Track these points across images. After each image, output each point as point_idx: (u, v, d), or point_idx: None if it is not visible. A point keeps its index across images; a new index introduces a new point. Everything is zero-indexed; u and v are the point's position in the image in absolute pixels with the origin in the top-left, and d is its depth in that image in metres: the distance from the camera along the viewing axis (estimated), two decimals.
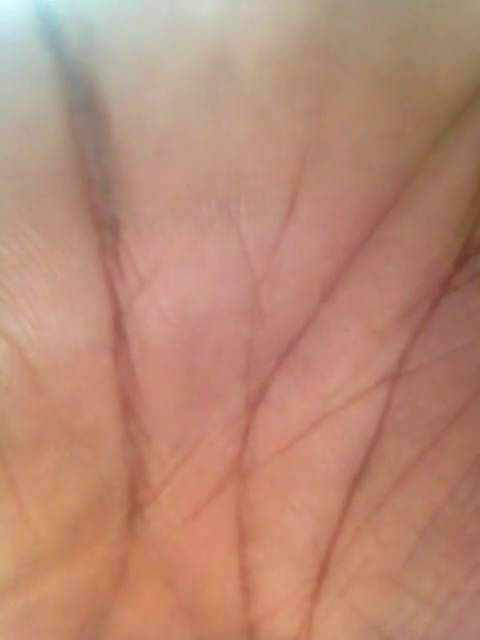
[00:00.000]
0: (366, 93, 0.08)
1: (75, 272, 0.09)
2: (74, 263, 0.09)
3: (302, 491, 0.10)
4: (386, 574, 0.10)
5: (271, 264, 0.09)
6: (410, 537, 0.10)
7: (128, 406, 0.10)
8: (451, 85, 0.08)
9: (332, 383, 0.10)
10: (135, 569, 0.10)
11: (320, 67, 0.08)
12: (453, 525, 0.10)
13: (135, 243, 0.09)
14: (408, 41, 0.08)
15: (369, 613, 0.10)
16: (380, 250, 0.09)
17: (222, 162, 0.08)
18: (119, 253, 0.09)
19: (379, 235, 0.09)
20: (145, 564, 0.10)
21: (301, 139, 0.08)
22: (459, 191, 0.09)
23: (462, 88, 0.08)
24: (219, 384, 0.10)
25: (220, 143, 0.08)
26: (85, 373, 0.09)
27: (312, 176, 0.09)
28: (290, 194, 0.09)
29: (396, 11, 0.08)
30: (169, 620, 0.11)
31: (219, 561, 0.11)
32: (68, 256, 0.09)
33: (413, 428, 0.10)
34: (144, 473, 0.10)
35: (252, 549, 0.10)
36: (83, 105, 0.08)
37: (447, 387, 0.10)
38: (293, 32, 0.08)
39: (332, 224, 0.09)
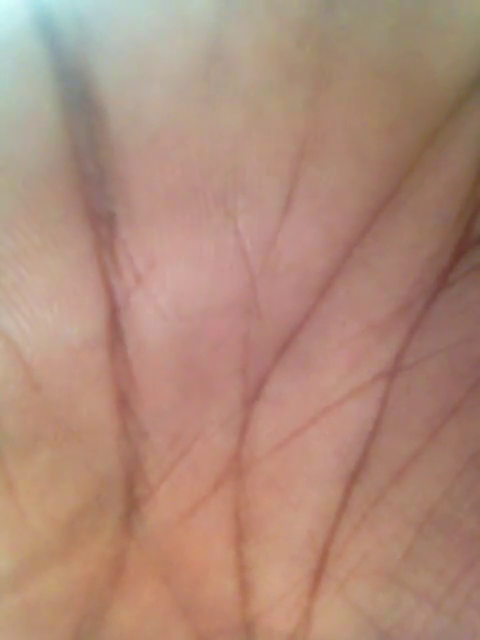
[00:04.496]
0: (363, 86, 0.08)
1: (71, 268, 0.09)
2: (69, 259, 0.09)
3: (300, 487, 0.10)
4: (384, 570, 0.10)
5: (268, 259, 0.09)
6: (407, 533, 0.10)
7: (125, 402, 0.09)
8: (449, 78, 0.08)
9: (329, 378, 0.10)
10: (132, 566, 0.10)
11: (317, 59, 0.08)
12: (450, 521, 0.10)
13: (131, 238, 0.09)
14: (405, 33, 0.08)
15: (367, 609, 0.10)
16: (377, 244, 0.09)
17: (218, 156, 0.08)
18: (115, 248, 0.09)
19: (376, 229, 0.09)
20: (142, 561, 0.10)
21: (298, 132, 0.08)
22: (456, 185, 0.09)
23: (460, 81, 0.08)
24: (216, 380, 0.10)
25: (216, 137, 0.08)
26: (81, 369, 0.09)
27: (309, 170, 0.09)
28: (287, 188, 0.09)
29: (393, 3, 0.08)
30: (167, 617, 0.11)
31: (217, 558, 0.10)
32: (63, 251, 0.09)
33: (410, 423, 0.10)
34: (141, 470, 0.10)
35: (250, 546, 0.10)
36: (78, 99, 0.08)
37: (444, 382, 0.10)
38: (290, 24, 0.08)
39: (329, 218, 0.09)
